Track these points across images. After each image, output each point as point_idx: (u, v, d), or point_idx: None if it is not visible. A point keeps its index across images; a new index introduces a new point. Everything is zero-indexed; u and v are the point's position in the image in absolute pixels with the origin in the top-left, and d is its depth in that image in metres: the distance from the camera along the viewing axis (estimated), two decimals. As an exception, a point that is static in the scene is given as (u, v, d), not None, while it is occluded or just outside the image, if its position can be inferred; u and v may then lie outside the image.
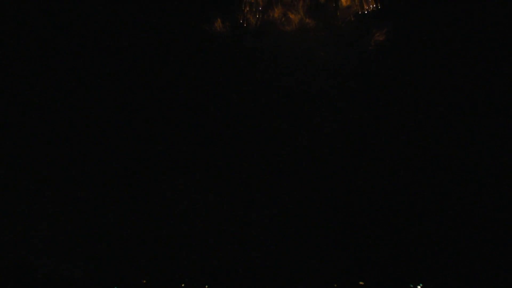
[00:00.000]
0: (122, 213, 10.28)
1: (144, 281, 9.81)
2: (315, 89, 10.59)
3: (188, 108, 10.83)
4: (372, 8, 10.19)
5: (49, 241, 10.02)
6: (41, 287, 9.57)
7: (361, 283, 9.43)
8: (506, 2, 9.81)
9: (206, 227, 10.12)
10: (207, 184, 10.45)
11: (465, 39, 10.08)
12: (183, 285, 9.82)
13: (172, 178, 10.51)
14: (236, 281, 9.78)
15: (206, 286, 9.76)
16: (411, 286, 9.22)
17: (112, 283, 9.64)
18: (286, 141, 10.55)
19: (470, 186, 9.64)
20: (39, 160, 10.56)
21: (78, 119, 10.78)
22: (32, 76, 10.80)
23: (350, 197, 10.06)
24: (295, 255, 9.80)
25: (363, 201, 9.98)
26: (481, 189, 9.55)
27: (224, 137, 10.63)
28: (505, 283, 8.81)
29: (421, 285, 9.17)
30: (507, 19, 9.84)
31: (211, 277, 9.87)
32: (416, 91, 10.24)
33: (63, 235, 10.14)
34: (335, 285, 9.46)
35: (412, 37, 10.28)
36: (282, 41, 10.57)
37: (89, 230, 10.15)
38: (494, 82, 9.94)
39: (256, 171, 10.51)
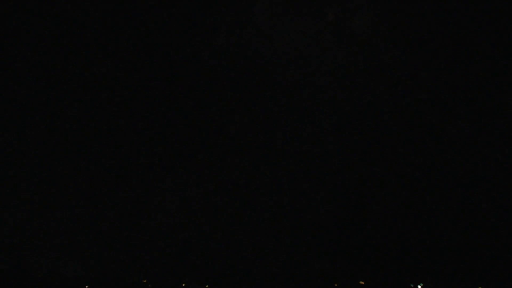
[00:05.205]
0: (122, 213, 10.29)
1: (144, 281, 9.82)
2: (317, 92, 10.63)
3: (187, 108, 10.86)
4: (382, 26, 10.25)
5: (49, 241, 10.02)
6: (41, 287, 9.58)
7: (361, 282, 9.44)
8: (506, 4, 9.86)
9: (206, 228, 10.14)
10: (209, 185, 10.47)
11: (466, 43, 10.12)
12: (183, 285, 9.83)
13: (173, 179, 10.53)
14: (236, 281, 9.78)
15: (207, 286, 9.77)
16: (411, 286, 9.23)
17: (112, 282, 9.65)
18: (286, 140, 10.58)
19: (470, 186, 9.67)
20: (39, 161, 10.57)
21: (77, 120, 10.80)
22: (31, 76, 10.81)
23: (351, 197, 10.08)
24: (296, 255, 9.82)
25: (364, 201, 10.00)
26: (481, 189, 9.58)
27: (226, 137, 10.66)
28: (505, 283, 8.83)
29: (421, 285, 9.18)
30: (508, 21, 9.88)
31: (211, 277, 9.88)
32: (416, 94, 10.29)
33: (63, 235, 10.15)
34: (336, 285, 9.48)
35: (415, 47, 10.35)
36: (288, 49, 10.62)
37: (89, 230, 10.16)
38: (495, 84, 9.98)
39: (256, 171, 10.53)
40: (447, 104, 10.31)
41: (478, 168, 9.80)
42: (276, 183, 10.42)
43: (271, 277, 9.70)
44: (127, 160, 10.57)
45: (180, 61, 10.84)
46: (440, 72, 10.47)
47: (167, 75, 10.89)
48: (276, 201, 10.28)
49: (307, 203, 10.21)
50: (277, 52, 10.90)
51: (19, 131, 10.72)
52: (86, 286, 9.50)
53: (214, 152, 10.62)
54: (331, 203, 10.09)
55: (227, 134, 10.66)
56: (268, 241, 10.02)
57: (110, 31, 10.70)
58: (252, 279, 9.70)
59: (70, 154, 10.70)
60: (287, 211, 10.18)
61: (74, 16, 10.84)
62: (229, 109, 10.84)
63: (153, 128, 10.70)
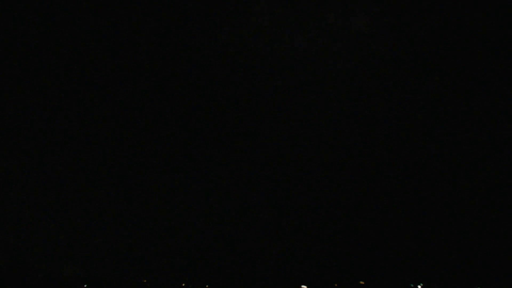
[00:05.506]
0: (122, 213, 10.29)
1: (145, 281, 9.82)
2: (317, 92, 10.63)
3: (187, 108, 10.86)
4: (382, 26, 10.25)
5: (49, 241, 10.02)
6: (41, 287, 9.57)
7: (361, 282, 9.45)
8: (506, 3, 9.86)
9: (206, 227, 10.14)
10: (208, 184, 10.48)
11: (467, 41, 10.12)
12: (183, 284, 9.84)
13: (173, 178, 10.53)
14: (236, 281, 9.79)
15: (207, 286, 9.78)
16: (411, 286, 9.23)
17: (112, 282, 9.65)
18: (287, 140, 10.58)
19: (470, 186, 9.67)
20: (39, 160, 10.57)
21: (75, 120, 10.79)
22: (31, 76, 10.82)
23: (350, 197, 10.09)
24: (295, 255, 9.82)
25: (363, 201, 10.01)
26: (481, 189, 9.59)
27: (226, 137, 10.67)
28: (505, 283, 8.83)
29: (421, 285, 9.19)
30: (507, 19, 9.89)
31: (211, 277, 9.88)
32: (416, 93, 10.29)
33: (63, 235, 10.15)
34: (335, 285, 9.48)
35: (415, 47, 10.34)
36: (289, 50, 10.61)
37: (89, 230, 10.16)
38: (495, 83, 9.98)
39: (257, 171, 10.53)
40: (448, 104, 10.33)
41: (478, 168, 9.80)
42: (276, 183, 10.43)
43: (271, 277, 9.70)
44: (127, 160, 10.58)
45: (179, 61, 10.86)
46: (442, 73, 10.48)
47: (166, 75, 10.89)
48: (276, 201, 10.29)
49: (307, 203, 10.22)
50: (277, 52, 10.91)
51: (19, 131, 10.73)
52: (86, 286, 9.51)
53: (214, 152, 10.62)
54: (331, 203, 10.09)
55: (227, 134, 10.67)
56: (268, 241, 10.02)
57: (108, 30, 10.71)
58: (252, 279, 9.70)
59: (69, 153, 10.70)
60: (287, 211, 10.19)
61: (72, 14, 10.85)
62: (229, 109, 10.85)
63: (152, 128, 10.72)
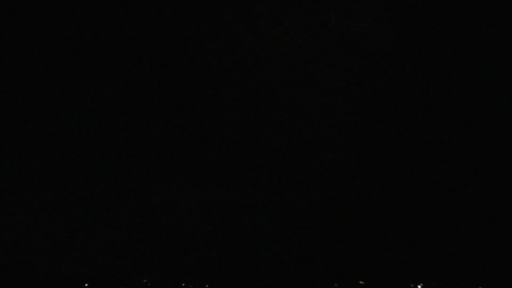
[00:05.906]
0: (122, 212, 10.30)
1: (145, 281, 9.83)
2: (318, 94, 10.68)
3: (186, 109, 10.89)
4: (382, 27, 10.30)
5: (49, 241, 10.04)
6: (41, 286, 9.60)
7: (361, 282, 9.47)
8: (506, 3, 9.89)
9: (206, 227, 10.16)
10: (208, 183, 10.49)
11: (466, 41, 10.16)
12: (183, 284, 9.84)
13: (172, 177, 10.54)
14: (236, 281, 9.80)
15: (207, 286, 9.79)
16: (411, 286, 9.25)
17: (112, 282, 9.67)
18: (287, 142, 10.60)
19: (470, 186, 9.69)
20: (38, 160, 10.59)
21: (75, 120, 10.81)
22: (31, 76, 10.84)
23: (350, 197, 10.11)
24: (295, 255, 9.84)
25: (363, 201, 10.02)
26: (481, 189, 9.61)
27: (226, 138, 10.69)
28: (505, 283, 8.85)
29: (421, 285, 9.20)
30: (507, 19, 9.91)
31: (211, 277, 9.90)
32: (416, 93, 10.33)
33: (63, 235, 10.16)
34: (335, 285, 9.50)
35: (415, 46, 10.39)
36: (289, 52, 10.67)
37: (89, 230, 10.17)
38: (495, 83, 10.01)
39: (257, 171, 10.55)
40: (449, 107, 10.36)
41: (478, 168, 9.82)
42: (276, 183, 10.45)
43: (271, 277, 9.72)
44: (126, 160, 10.59)
45: (179, 61, 10.89)
46: (443, 76, 10.52)
47: (166, 76, 10.93)
48: (276, 201, 10.30)
49: (306, 203, 10.23)
50: (278, 54, 10.94)
51: (19, 131, 10.75)
52: (86, 286, 9.53)
53: (214, 152, 10.65)
54: (331, 202, 10.11)
55: (227, 135, 10.70)
56: (268, 241, 10.04)
57: (107, 30, 10.75)
58: (252, 279, 9.72)
59: (69, 153, 10.72)
60: (287, 211, 10.21)
61: (71, 14, 10.89)
62: (228, 110, 10.88)
63: (152, 128, 10.75)
